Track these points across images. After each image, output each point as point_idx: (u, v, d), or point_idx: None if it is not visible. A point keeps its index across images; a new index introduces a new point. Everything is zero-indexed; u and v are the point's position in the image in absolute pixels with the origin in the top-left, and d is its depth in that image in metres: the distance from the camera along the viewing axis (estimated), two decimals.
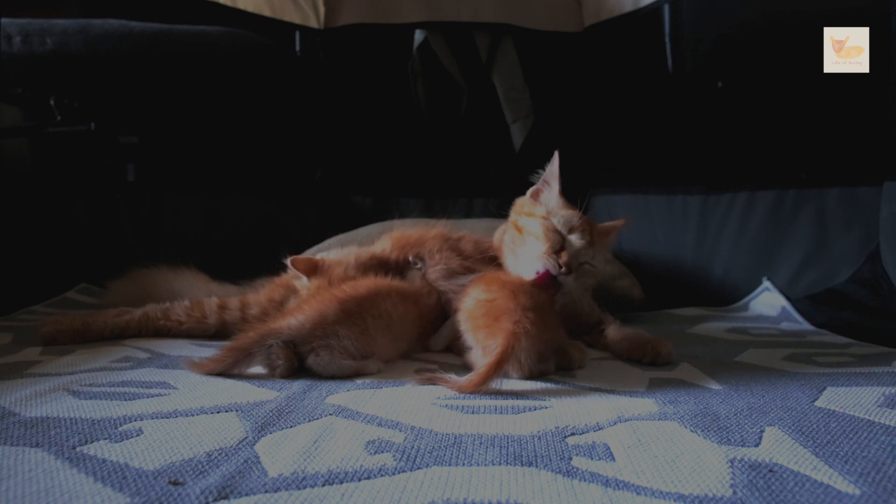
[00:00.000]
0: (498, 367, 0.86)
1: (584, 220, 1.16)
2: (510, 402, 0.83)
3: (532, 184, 1.24)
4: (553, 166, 1.20)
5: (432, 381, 0.90)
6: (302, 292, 1.22)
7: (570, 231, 1.13)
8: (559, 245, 1.12)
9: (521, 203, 1.23)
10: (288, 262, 1.20)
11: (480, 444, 0.66)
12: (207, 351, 1.07)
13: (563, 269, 1.08)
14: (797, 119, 1.96)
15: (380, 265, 1.23)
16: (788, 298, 1.73)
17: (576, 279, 1.11)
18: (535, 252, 1.11)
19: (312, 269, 1.21)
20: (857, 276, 1.70)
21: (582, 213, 1.18)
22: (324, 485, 0.55)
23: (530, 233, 1.15)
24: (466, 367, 0.98)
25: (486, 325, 0.93)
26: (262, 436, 0.68)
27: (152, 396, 0.83)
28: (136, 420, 0.72)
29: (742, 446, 0.65)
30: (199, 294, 1.42)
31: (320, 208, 2.39)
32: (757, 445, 0.65)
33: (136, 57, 1.92)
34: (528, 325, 0.89)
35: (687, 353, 1.16)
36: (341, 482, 0.56)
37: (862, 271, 1.69)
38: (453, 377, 0.88)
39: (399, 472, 0.58)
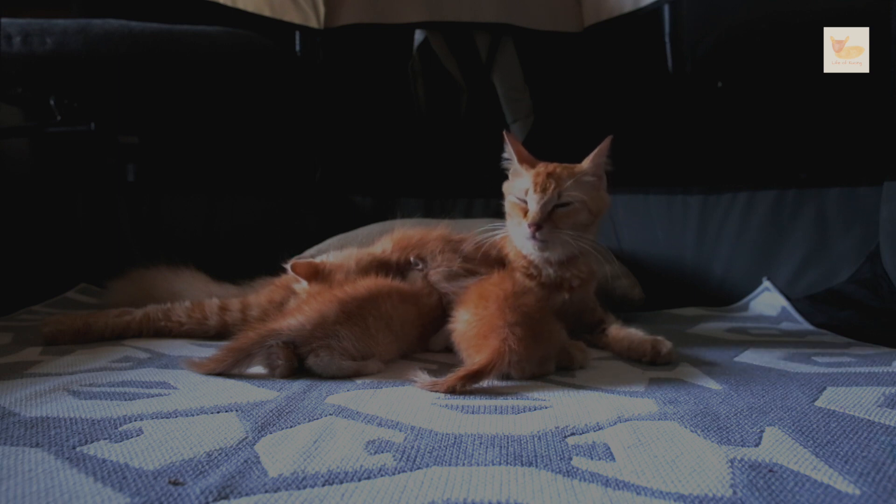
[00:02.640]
0: (475, 377, 0.87)
1: (539, 174, 1.19)
2: (510, 402, 0.83)
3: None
4: (507, 147, 1.28)
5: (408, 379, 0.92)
6: (301, 295, 1.22)
7: (527, 194, 1.18)
8: (525, 210, 1.18)
9: (504, 187, 1.31)
10: (288, 266, 1.19)
11: (480, 444, 0.66)
12: (207, 351, 1.06)
13: (532, 231, 1.15)
14: (797, 119, 1.96)
15: (381, 266, 1.23)
16: (788, 298, 1.73)
17: (555, 229, 1.15)
18: (518, 231, 1.21)
19: (313, 274, 1.20)
20: (857, 276, 1.70)
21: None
22: (324, 485, 0.55)
23: (508, 214, 1.26)
24: None
25: (476, 345, 0.95)
26: (262, 436, 0.68)
27: (152, 396, 0.83)
28: (136, 420, 0.72)
29: (742, 446, 0.65)
30: (199, 294, 1.42)
31: (320, 208, 2.39)
32: (757, 445, 0.65)
33: (136, 57, 1.91)
34: (514, 342, 0.90)
35: (687, 353, 1.16)
36: (341, 482, 0.56)
37: (862, 271, 1.69)
38: (424, 376, 0.90)
39: (399, 472, 0.59)
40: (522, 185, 1.20)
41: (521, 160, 1.26)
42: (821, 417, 0.75)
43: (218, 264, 1.62)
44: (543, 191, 1.16)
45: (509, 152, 1.28)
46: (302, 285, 1.22)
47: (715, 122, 2.15)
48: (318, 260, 1.24)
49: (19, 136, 2.11)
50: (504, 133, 1.28)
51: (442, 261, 1.23)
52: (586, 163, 1.22)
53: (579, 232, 1.17)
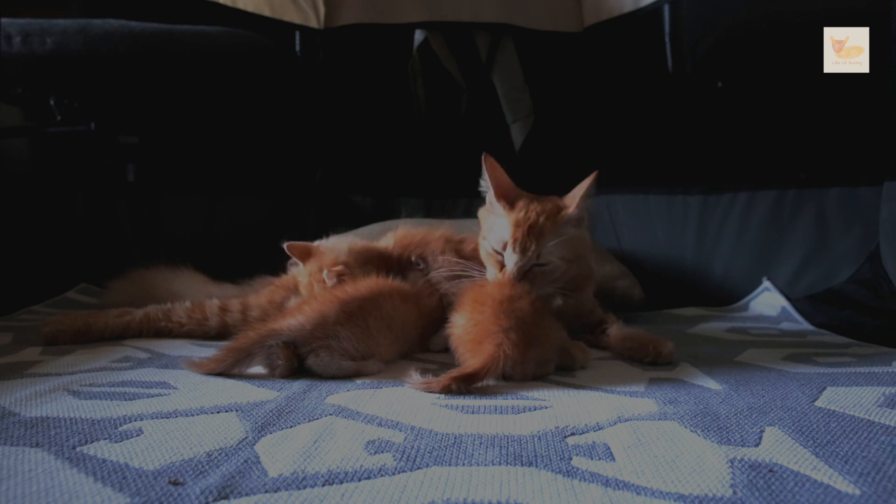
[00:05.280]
0: (469, 379, 0.87)
1: (519, 225, 1.09)
2: (510, 402, 0.83)
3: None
4: (484, 175, 1.16)
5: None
6: (300, 279, 1.25)
7: (504, 247, 1.10)
8: (502, 264, 1.11)
9: (480, 216, 1.23)
10: (285, 246, 1.27)
11: (480, 444, 0.66)
12: (207, 351, 1.06)
13: None
14: (797, 119, 1.96)
15: (380, 258, 1.24)
16: (788, 298, 1.73)
17: (532, 283, 1.08)
18: (491, 275, 1.13)
19: (306, 254, 1.26)
20: (857, 276, 1.70)
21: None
22: (324, 485, 0.55)
23: (485, 259, 1.17)
24: None
25: (471, 349, 0.95)
26: (262, 436, 0.68)
27: (152, 396, 0.83)
28: (136, 420, 0.72)
29: (742, 446, 0.65)
30: (199, 294, 1.42)
31: (320, 208, 2.39)
32: (757, 445, 0.65)
33: (136, 57, 1.91)
34: (509, 347, 0.90)
35: (687, 353, 1.16)
36: (341, 482, 0.56)
37: (862, 271, 1.69)
38: (416, 376, 0.90)
39: (399, 472, 0.58)
40: (499, 235, 1.11)
41: (500, 195, 1.14)
42: (821, 417, 0.75)
43: (218, 264, 1.62)
44: (523, 252, 1.08)
45: (486, 180, 1.16)
46: (299, 268, 1.27)
47: (715, 122, 2.15)
48: (313, 245, 1.30)
49: (19, 136, 2.11)
50: (483, 156, 1.15)
51: (443, 262, 1.23)
52: (573, 207, 1.11)
53: (556, 281, 1.12)
